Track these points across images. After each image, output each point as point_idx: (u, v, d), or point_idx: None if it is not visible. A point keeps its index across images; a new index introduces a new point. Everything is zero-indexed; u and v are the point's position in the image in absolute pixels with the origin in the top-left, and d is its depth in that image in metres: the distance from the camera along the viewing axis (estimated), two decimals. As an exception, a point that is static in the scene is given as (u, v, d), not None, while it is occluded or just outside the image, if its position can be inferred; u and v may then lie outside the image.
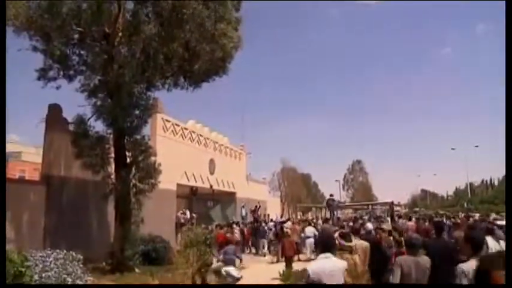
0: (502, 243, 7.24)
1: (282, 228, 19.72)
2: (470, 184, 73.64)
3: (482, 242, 4.92)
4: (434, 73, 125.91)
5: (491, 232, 7.84)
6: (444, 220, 19.58)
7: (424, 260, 5.80)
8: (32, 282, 5.05)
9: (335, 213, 28.64)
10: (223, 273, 10.77)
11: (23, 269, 4.91)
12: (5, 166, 7.80)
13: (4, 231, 5.08)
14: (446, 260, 5.96)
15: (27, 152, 42.64)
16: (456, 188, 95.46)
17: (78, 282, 6.22)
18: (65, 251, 6.76)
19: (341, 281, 4.68)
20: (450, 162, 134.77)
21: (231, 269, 10.82)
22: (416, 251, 5.89)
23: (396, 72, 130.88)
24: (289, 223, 23.12)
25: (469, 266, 4.21)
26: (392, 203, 40.35)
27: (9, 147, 42.90)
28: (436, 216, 24.77)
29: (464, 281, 4.17)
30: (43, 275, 5.79)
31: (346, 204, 66.95)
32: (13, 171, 38.96)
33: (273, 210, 40.72)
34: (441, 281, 5.76)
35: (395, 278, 5.70)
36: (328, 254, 4.87)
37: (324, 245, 5.10)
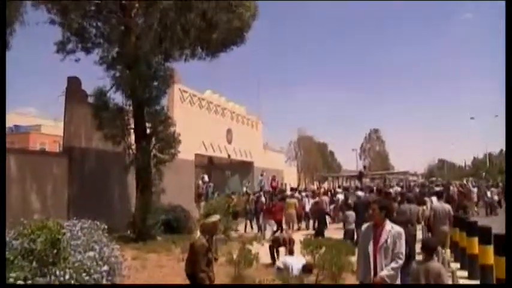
0: None
1: None
2: (489, 154, 72.62)
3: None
4: (453, 41, 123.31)
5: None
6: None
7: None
8: (68, 249, 5.22)
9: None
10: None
11: (60, 236, 5.06)
12: (5, 163, 7.88)
13: (4, 230, 5.19)
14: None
15: (47, 125, 43.16)
16: (474, 158, 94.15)
17: (105, 249, 6.38)
18: (90, 221, 6.91)
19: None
20: (469, 131, 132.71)
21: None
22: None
23: (415, 40, 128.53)
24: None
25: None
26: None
27: (29, 121, 43.68)
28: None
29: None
30: (72, 242, 5.93)
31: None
32: (34, 143, 39.69)
33: (290, 179, 40.90)
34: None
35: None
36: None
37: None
